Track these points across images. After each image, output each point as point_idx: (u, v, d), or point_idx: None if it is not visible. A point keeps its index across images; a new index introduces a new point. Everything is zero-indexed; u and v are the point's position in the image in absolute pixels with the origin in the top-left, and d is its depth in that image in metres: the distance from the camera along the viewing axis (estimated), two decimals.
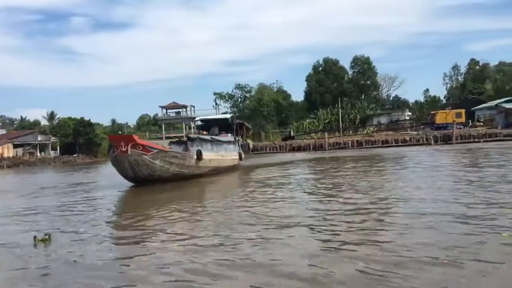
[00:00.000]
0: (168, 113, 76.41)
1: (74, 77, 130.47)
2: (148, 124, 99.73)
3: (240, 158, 22.03)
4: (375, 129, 54.71)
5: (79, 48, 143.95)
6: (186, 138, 18.18)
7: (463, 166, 16.73)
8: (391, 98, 74.44)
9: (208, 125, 24.87)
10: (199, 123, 26.46)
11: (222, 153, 19.56)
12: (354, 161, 23.35)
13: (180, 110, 75.33)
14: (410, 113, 64.64)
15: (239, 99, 50.56)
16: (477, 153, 23.88)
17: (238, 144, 22.70)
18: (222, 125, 23.62)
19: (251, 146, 26.03)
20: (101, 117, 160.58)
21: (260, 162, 27.11)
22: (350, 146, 38.78)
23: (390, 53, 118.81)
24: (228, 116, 23.94)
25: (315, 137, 42.17)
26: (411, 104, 78.29)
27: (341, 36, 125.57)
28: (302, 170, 20.06)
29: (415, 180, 12.38)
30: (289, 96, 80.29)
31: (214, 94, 50.55)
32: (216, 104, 51.35)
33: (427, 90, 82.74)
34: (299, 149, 39.66)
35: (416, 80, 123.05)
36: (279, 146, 40.40)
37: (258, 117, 49.67)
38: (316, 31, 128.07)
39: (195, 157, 16.64)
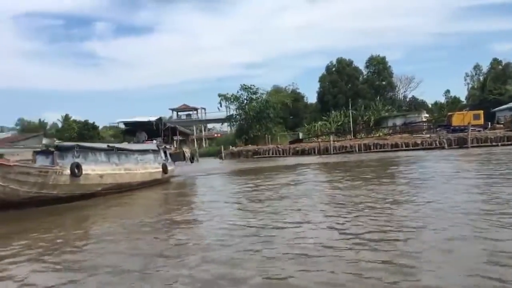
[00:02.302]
0: (179, 116, 75.62)
1: (95, 80, 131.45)
2: None
3: (164, 171, 17.57)
4: (390, 131, 52.36)
5: (101, 53, 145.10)
6: (54, 147, 13.53)
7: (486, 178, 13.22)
8: (407, 99, 71.61)
9: (133, 129, 20.71)
10: (123, 126, 22.13)
11: (129, 166, 15.34)
12: (355, 167, 21.41)
13: (191, 112, 74.48)
14: (427, 115, 61.88)
15: (245, 101, 48.90)
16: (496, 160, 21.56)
17: (165, 154, 18.73)
18: (149, 130, 19.52)
19: (188, 155, 20.88)
20: (116, 119, 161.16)
21: (242, 167, 25.38)
22: (357, 150, 36.66)
23: (409, 54, 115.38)
24: (152, 118, 19.58)
25: (319, 140, 40.08)
26: (430, 105, 75.29)
27: (358, 38, 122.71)
28: (273, 181, 15.87)
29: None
30: (302, 97, 78.82)
31: (219, 95, 49.07)
32: (220, 105, 49.87)
33: (448, 91, 79.75)
34: (303, 153, 37.76)
35: (437, 81, 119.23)
36: (283, 150, 38.58)
37: (264, 119, 47.87)
38: (333, 33, 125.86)
39: (68, 172, 12.41)
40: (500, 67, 70.09)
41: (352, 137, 47.97)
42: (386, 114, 60.05)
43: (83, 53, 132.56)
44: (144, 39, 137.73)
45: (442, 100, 78.63)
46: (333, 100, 65.44)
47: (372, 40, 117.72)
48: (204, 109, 72.05)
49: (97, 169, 13.61)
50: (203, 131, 73.36)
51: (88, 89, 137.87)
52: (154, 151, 17.57)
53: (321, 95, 70.64)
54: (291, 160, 31.43)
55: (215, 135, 70.89)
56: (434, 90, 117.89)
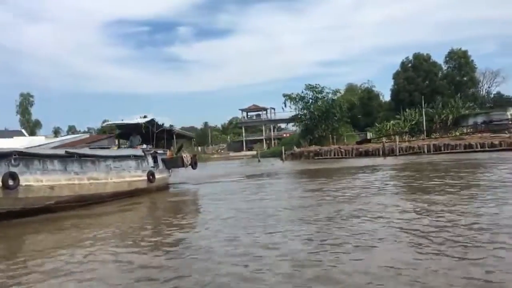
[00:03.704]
0: (249, 116, 76.59)
1: (178, 83, 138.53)
2: (235, 127, 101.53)
3: (150, 180, 15.43)
4: (469, 130, 48.33)
5: (184, 56, 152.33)
6: None
7: None
8: (491, 96, 65.62)
9: (127, 132, 18.75)
10: (116, 130, 20.35)
11: (97, 175, 13.08)
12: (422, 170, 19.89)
13: (260, 112, 75.02)
14: None
15: (310, 100, 48.01)
16: None
17: (155, 160, 16.67)
18: (144, 134, 17.59)
19: (187, 160, 18.24)
20: (195, 120, 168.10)
21: (291, 168, 24.63)
22: (425, 151, 34.23)
23: (505, 47, 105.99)
24: (141, 120, 17.75)
25: (384, 141, 38.00)
26: None
27: (441, 32, 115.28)
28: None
29: None
30: (377, 96, 75.85)
31: (284, 95, 48.65)
32: (285, 105, 49.41)
33: None
34: (367, 154, 36.09)
35: None
36: (345, 151, 37.19)
37: (330, 118, 46.62)
38: (416, 28, 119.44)
39: None
40: None
41: (425, 137, 44.98)
42: (467, 112, 55.50)
43: (166, 57, 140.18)
44: (225, 41, 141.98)
45: None
46: (409, 98, 62.08)
47: (457, 34, 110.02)
48: (274, 109, 72.21)
49: (46, 180, 11.35)
50: (271, 131, 73.47)
51: (171, 91, 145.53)
52: (137, 157, 15.43)
53: (395, 92, 67.46)
54: (353, 162, 30.21)
55: (284, 135, 70.68)
56: None
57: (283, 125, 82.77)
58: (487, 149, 32.54)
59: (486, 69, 66.94)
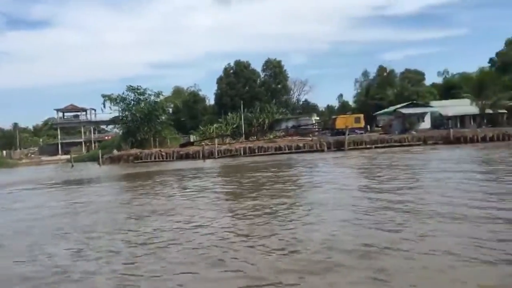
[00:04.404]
0: (66, 117, 70.00)
1: None
2: (51, 128, 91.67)
3: None
4: (282, 133, 53.19)
5: None
6: None
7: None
8: (301, 103, 73.91)
9: None
10: None
11: None
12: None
13: (79, 113, 69.31)
14: (317, 118, 64.15)
15: (132, 102, 46.17)
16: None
17: None
18: None
19: None
20: (2, 121, 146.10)
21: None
22: (242, 153, 36.26)
23: (311, 59, 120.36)
24: None
25: (203, 144, 39.08)
26: (323, 109, 78.58)
27: (262, 43, 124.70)
28: None
29: None
30: (202, 99, 77.82)
31: (103, 96, 45.68)
32: (104, 107, 46.48)
33: (341, 95, 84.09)
34: (187, 157, 36.43)
35: (334, 85, 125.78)
36: (166, 154, 36.82)
37: (153, 121, 45.61)
38: (243, 37, 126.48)
39: None
40: (385, 74, 75.25)
41: (244, 140, 47.73)
42: (280, 117, 61.00)
43: None
44: (40, 33, 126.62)
45: (336, 104, 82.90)
46: (231, 103, 65.14)
47: (277, 45, 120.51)
48: (95, 110, 67.44)
49: None
50: (92, 133, 68.55)
51: None
52: None
53: (218, 97, 70.13)
54: (172, 165, 30.04)
55: (106, 137, 66.65)
56: (330, 94, 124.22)
57: (109, 127, 78.26)
58: (293, 151, 36.22)
59: (297, 78, 74.94)
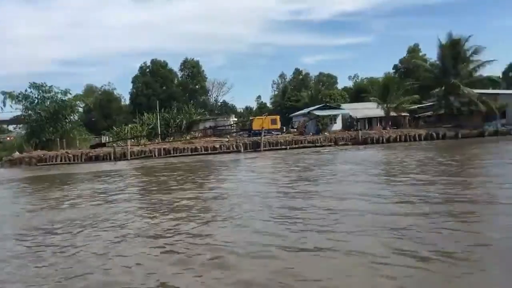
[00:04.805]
0: None
1: None
2: None
3: None
4: (200, 134, 52.59)
5: None
6: None
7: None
8: (219, 104, 73.88)
9: None
10: None
11: None
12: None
13: None
14: (235, 119, 64.54)
15: (36, 100, 42.60)
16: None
17: None
18: None
19: None
20: None
21: None
22: (156, 154, 35.15)
23: (232, 61, 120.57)
24: None
25: (115, 145, 37.31)
26: (242, 110, 79.22)
27: (187, 43, 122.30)
28: None
29: None
30: (116, 99, 74.47)
31: (2, 93, 41.56)
32: (4, 105, 42.35)
33: (260, 96, 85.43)
34: (97, 158, 34.43)
35: (253, 87, 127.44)
36: (74, 156, 34.45)
37: (60, 121, 42.48)
38: (162, 36, 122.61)
39: None
40: (300, 76, 77.89)
41: (161, 141, 46.37)
42: (198, 117, 60.26)
43: None
44: None
45: (255, 105, 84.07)
46: (147, 102, 63.19)
47: (197, 45, 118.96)
48: None
49: None
50: None
51: None
52: None
53: (134, 96, 67.73)
54: (79, 168, 28.13)
55: (8, 138, 60.88)
56: (250, 95, 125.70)
57: (11, 127, 71.50)
58: (210, 152, 35.90)
59: (215, 79, 74.77)
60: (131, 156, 34.59)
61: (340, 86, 76.70)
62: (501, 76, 63.06)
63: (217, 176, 18.44)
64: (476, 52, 43.44)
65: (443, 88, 44.20)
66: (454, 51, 43.44)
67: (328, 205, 9.33)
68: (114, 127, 56.76)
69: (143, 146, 38.72)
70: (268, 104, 77.64)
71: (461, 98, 42.15)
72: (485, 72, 45.27)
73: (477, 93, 42.21)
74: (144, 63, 68.73)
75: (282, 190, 12.27)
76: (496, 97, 43.44)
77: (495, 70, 55.50)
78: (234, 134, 50.64)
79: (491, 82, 48.35)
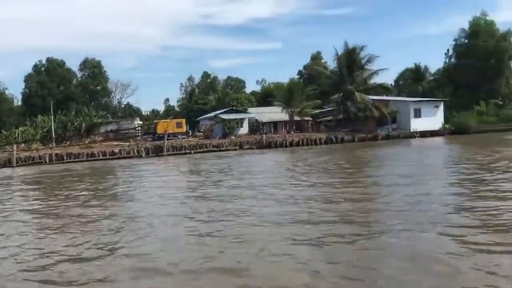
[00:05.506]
0: None
1: None
2: None
3: None
4: (100, 138, 49.64)
5: None
6: None
7: None
8: (123, 106, 70.77)
9: None
10: None
11: None
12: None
13: None
14: (141, 122, 62.21)
15: None
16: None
17: None
18: None
19: None
20: None
21: None
22: (47, 160, 32.36)
23: (141, 63, 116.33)
24: None
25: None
26: (148, 113, 76.70)
27: (91, 42, 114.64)
28: None
29: None
30: (6, 99, 67.98)
31: None
32: None
33: (168, 99, 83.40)
34: None
35: (162, 89, 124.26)
36: None
37: None
38: (55, 32, 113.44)
39: None
40: (209, 80, 77.52)
41: (55, 145, 42.87)
42: (99, 120, 56.92)
43: None
44: None
45: (163, 108, 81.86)
46: (42, 104, 58.26)
47: (102, 46, 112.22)
48: None
49: None
50: None
51: None
52: None
53: (27, 96, 62.22)
54: None
55: None
56: (158, 98, 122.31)
57: None
58: (108, 157, 33.92)
59: (118, 80, 71.21)
60: (17, 162, 31.41)
61: (248, 90, 77.69)
62: (393, 84, 68.40)
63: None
64: (369, 60, 46.71)
65: (341, 94, 46.70)
66: (350, 60, 46.22)
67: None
68: (3, 130, 51.55)
69: (34, 151, 35.50)
70: (176, 107, 76.10)
71: (357, 104, 44.82)
72: (378, 79, 48.92)
73: (371, 99, 45.29)
74: (39, 61, 63.48)
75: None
76: (388, 103, 46.98)
77: (387, 78, 60.08)
78: (139, 138, 48.77)
79: (384, 89, 52.13)
